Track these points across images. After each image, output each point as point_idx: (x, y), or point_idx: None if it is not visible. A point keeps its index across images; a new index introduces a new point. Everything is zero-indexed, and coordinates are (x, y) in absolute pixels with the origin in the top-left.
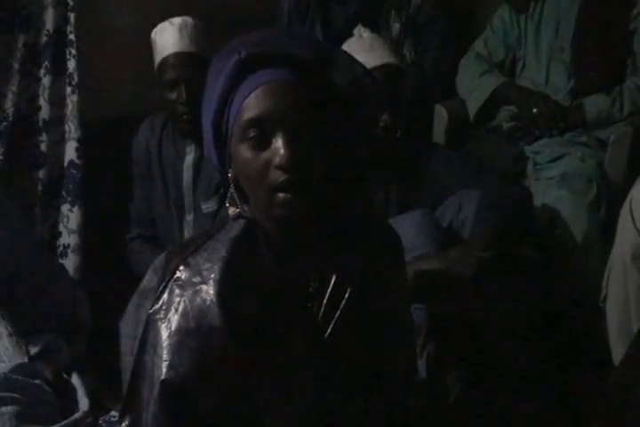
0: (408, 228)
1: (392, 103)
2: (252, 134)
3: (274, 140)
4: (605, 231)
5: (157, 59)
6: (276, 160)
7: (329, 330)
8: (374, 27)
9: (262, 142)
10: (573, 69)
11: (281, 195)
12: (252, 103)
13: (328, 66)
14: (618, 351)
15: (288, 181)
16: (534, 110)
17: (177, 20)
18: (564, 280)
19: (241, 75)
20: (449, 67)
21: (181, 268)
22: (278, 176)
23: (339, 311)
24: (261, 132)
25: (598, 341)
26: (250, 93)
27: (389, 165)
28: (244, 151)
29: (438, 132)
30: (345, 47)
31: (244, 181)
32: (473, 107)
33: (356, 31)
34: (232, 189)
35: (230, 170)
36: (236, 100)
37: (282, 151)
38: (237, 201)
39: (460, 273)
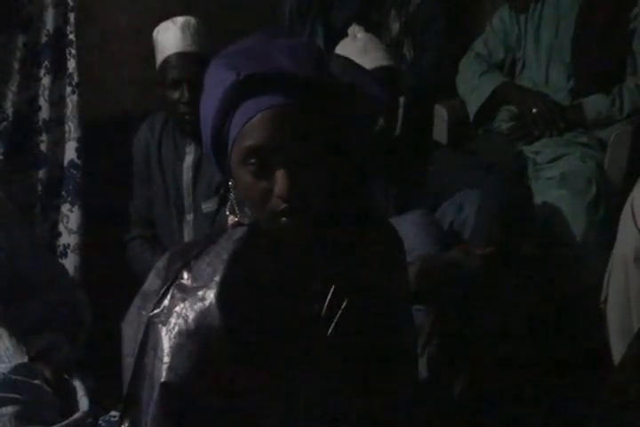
0: (408, 228)
1: (389, 105)
2: (251, 162)
3: (274, 170)
4: (604, 231)
5: (159, 58)
6: (277, 190)
7: (329, 332)
8: (374, 26)
9: (262, 171)
10: (573, 69)
11: (282, 219)
12: (251, 130)
13: (329, 84)
14: (618, 353)
15: (289, 209)
16: (534, 110)
17: (179, 20)
18: (562, 279)
19: (239, 95)
20: (449, 67)
21: (183, 272)
22: (279, 204)
23: (339, 313)
24: (261, 161)
25: (598, 340)
26: (250, 119)
27: (389, 166)
28: (245, 175)
29: (438, 132)
30: (339, 48)
31: (245, 197)
32: (473, 107)
33: (350, 31)
34: (232, 197)
35: (231, 179)
36: (235, 122)
37: (282, 182)
38: (237, 210)
39: (460, 273)
